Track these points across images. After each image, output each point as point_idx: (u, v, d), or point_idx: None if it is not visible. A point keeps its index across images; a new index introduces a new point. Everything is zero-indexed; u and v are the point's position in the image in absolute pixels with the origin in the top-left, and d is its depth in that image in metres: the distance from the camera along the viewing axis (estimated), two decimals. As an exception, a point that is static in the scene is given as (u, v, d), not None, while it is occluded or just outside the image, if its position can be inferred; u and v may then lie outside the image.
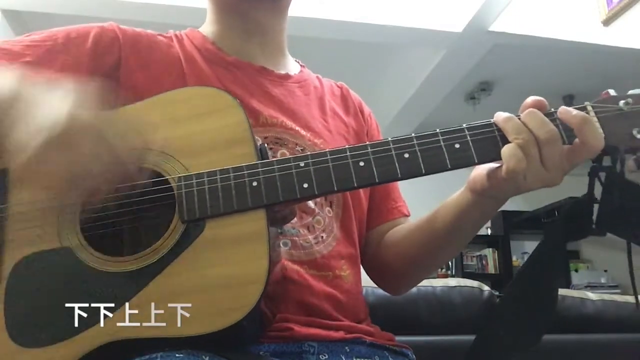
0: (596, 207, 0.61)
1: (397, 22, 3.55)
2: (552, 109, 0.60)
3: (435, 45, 3.91)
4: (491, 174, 0.61)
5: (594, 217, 0.61)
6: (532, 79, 4.47)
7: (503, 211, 5.25)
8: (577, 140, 0.58)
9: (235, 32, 0.82)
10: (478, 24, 3.57)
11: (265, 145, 0.63)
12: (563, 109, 0.58)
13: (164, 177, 0.60)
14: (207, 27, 0.85)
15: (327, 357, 0.66)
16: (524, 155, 0.56)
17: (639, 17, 3.10)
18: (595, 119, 0.59)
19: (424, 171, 0.58)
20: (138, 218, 0.60)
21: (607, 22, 3.28)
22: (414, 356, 0.79)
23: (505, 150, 0.57)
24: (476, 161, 0.59)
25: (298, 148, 0.75)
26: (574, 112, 0.58)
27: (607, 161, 0.60)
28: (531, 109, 0.59)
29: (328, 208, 0.76)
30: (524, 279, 0.69)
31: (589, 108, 0.60)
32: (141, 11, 3.24)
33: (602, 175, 0.61)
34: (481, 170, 0.63)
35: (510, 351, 0.66)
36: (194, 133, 0.61)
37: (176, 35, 0.82)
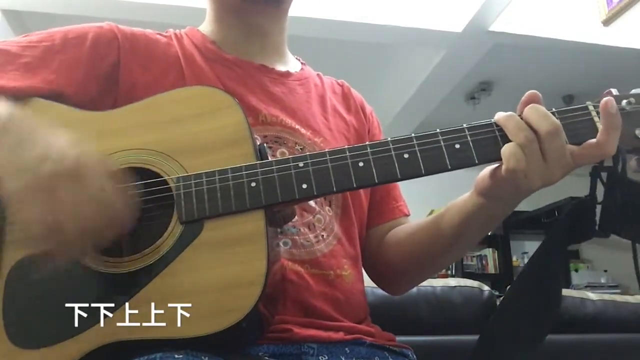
0: (598, 208, 0.61)
1: (397, 22, 3.55)
2: (554, 109, 0.59)
3: (435, 45, 3.91)
4: (492, 173, 0.61)
5: (597, 218, 0.61)
6: (532, 79, 4.46)
7: (503, 211, 5.24)
8: (592, 141, 0.57)
9: (235, 31, 0.82)
10: (478, 24, 3.57)
11: (265, 144, 0.62)
12: (611, 101, 0.56)
13: (162, 177, 0.59)
14: (207, 26, 0.85)
15: (326, 358, 0.66)
16: (524, 154, 0.56)
17: (639, 17, 3.10)
18: (597, 119, 0.58)
19: (423, 172, 0.58)
20: (137, 219, 0.60)
21: (607, 22, 3.29)
22: (414, 356, 0.78)
23: (505, 149, 0.56)
24: (477, 162, 0.58)
25: (297, 147, 0.75)
26: (617, 111, 0.56)
27: (608, 161, 0.60)
28: (532, 104, 0.58)
29: (327, 207, 0.76)
30: (526, 281, 0.68)
31: (591, 107, 0.59)
32: (141, 11, 3.24)
33: (604, 175, 0.60)
34: (485, 170, 0.63)
35: (513, 352, 0.66)
36: (193, 133, 0.61)
37: (175, 34, 0.82)
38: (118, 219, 0.53)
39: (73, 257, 0.54)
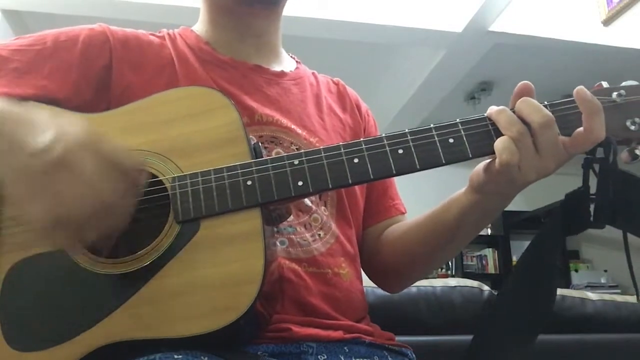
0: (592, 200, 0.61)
1: (397, 22, 3.55)
2: (546, 102, 0.59)
3: (435, 45, 3.91)
4: (486, 168, 0.61)
5: (591, 209, 0.61)
6: (532, 79, 4.36)
7: (503, 211, 5.23)
8: (580, 129, 0.57)
9: (229, 32, 0.82)
10: (478, 24, 3.57)
11: (259, 143, 0.62)
12: (582, 89, 0.57)
13: (158, 177, 0.59)
14: (201, 26, 0.84)
15: (325, 357, 0.66)
16: (517, 147, 0.56)
17: (639, 17, 3.10)
18: None
19: (418, 167, 0.58)
20: (132, 219, 0.60)
21: (607, 22, 3.29)
22: (413, 355, 0.78)
23: (498, 143, 0.57)
24: (470, 156, 0.58)
25: (293, 147, 0.75)
26: (591, 96, 0.57)
27: (600, 153, 0.60)
28: (524, 97, 0.58)
29: (323, 207, 0.76)
30: (520, 275, 0.69)
31: None
32: (140, 11, 3.24)
33: (597, 167, 0.61)
34: (479, 165, 0.63)
35: (507, 350, 0.66)
36: (188, 133, 0.61)
37: (169, 34, 0.81)
38: (118, 199, 0.52)
39: (84, 244, 0.54)
